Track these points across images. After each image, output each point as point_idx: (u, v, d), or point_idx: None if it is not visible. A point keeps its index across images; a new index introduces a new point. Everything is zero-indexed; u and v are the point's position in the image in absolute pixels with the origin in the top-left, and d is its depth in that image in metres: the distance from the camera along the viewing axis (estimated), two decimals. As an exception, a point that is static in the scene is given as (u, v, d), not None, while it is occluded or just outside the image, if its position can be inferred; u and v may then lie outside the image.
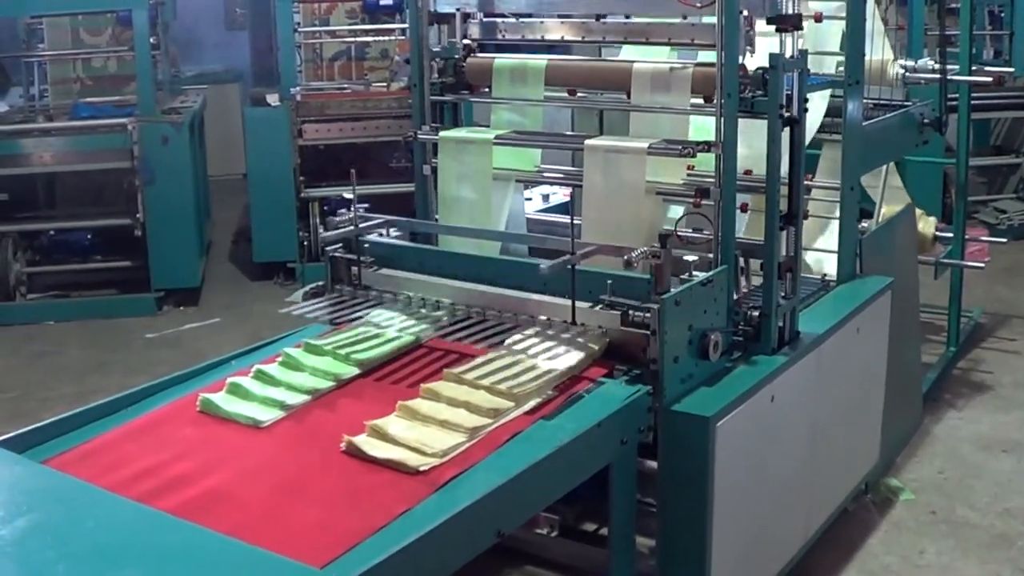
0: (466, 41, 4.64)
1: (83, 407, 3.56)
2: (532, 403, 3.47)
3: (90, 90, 9.26)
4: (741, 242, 4.11)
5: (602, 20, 4.49)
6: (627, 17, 4.46)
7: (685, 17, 4.15)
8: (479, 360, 3.71)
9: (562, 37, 4.48)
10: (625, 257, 3.73)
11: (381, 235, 4.41)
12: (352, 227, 4.29)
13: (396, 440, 3.23)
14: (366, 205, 4.36)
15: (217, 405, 3.51)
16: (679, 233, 4.09)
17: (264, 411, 3.48)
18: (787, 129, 4.04)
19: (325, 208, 8.80)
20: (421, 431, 3.29)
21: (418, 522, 2.80)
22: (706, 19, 4.08)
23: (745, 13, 3.91)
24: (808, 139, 4.61)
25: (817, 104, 4.66)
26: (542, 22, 4.56)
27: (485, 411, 3.38)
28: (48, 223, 8.79)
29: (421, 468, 3.10)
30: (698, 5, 4.02)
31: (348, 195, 4.28)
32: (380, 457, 3.16)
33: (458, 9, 4.63)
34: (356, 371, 3.74)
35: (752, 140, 4.14)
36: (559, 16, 4.60)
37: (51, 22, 9.11)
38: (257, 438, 3.37)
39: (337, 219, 4.35)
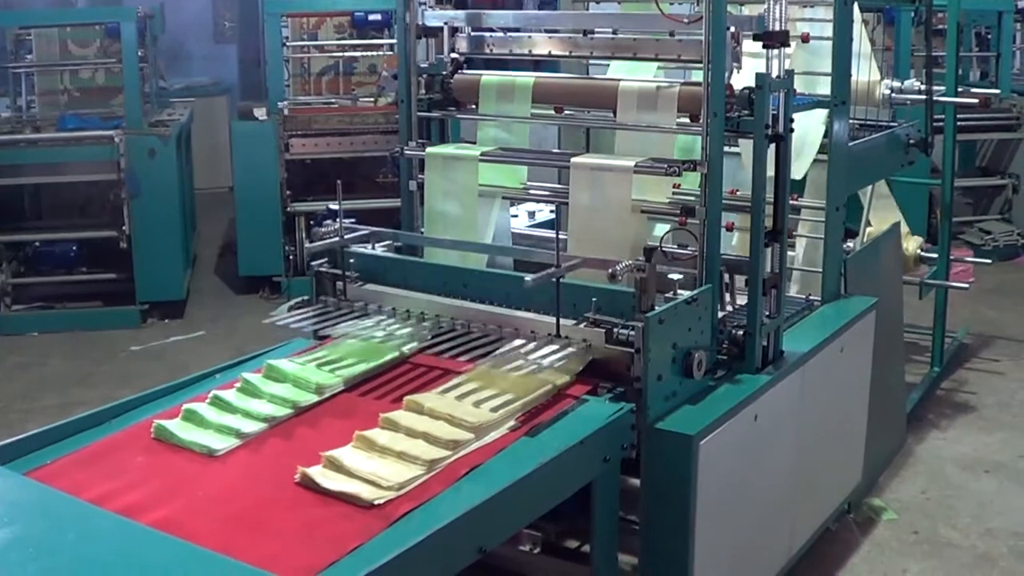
0: (454, 55, 4.63)
1: (66, 419, 3.53)
2: (493, 435, 3.39)
3: (77, 102, 9.24)
4: (726, 258, 4.11)
5: (590, 35, 4.50)
6: (614, 33, 4.47)
7: (672, 34, 4.15)
8: (447, 384, 3.64)
9: (549, 52, 4.49)
10: (610, 270, 3.72)
11: (366, 247, 4.40)
12: (337, 238, 4.27)
13: (351, 472, 3.12)
14: (352, 220, 4.36)
15: (171, 432, 3.39)
16: (664, 249, 4.10)
17: (219, 439, 3.36)
18: (773, 145, 4.05)
19: (311, 222, 8.85)
20: (378, 463, 3.18)
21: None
22: (693, 35, 4.09)
23: (732, 30, 3.92)
24: (809, 160, 4.64)
25: (816, 127, 4.68)
26: (530, 37, 4.57)
27: (444, 443, 3.28)
28: (34, 234, 8.78)
29: (376, 501, 2.99)
30: (685, 21, 4.04)
31: (334, 206, 4.27)
32: (334, 490, 3.06)
33: (446, 23, 4.63)
34: (315, 398, 3.63)
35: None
36: (547, 31, 4.61)
37: (39, 33, 9.11)
38: (211, 467, 3.26)
39: (323, 230, 4.33)
